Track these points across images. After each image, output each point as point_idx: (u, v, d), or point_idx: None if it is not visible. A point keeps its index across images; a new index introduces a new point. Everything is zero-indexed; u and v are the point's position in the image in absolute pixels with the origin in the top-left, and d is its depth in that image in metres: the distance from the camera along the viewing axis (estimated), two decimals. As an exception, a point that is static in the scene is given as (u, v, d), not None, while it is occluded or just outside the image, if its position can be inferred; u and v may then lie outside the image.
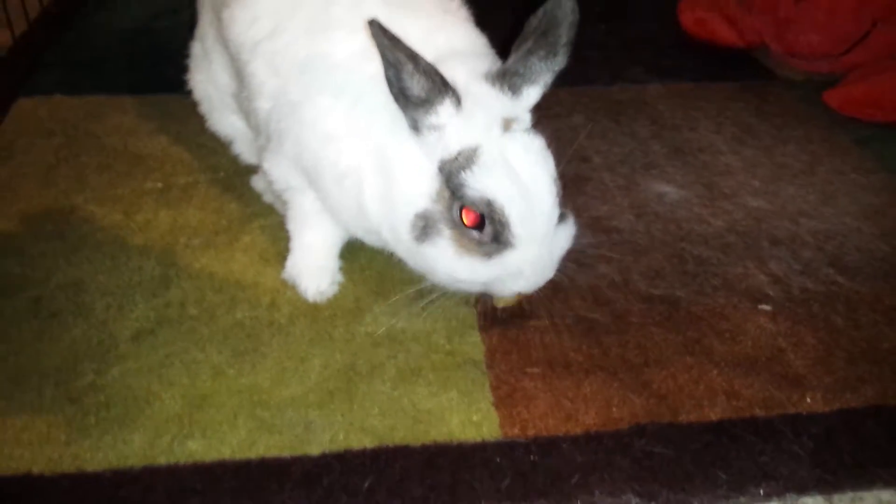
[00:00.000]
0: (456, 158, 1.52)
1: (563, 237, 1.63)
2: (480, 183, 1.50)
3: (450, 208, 1.54)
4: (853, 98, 2.61)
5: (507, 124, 1.55)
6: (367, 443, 1.51)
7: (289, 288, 1.86)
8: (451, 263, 1.57)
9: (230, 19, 1.85)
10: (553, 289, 1.88)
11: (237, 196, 2.15)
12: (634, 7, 3.46)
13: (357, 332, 1.75)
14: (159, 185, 2.17)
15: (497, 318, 1.79)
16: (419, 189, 1.56)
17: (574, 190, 2.23)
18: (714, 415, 1.60)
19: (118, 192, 2.13)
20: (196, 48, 2.18)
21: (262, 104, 1.79)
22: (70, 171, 2.21)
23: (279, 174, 1.81)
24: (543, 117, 2.54)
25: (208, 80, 2.13)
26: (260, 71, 1.77)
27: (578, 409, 1.59)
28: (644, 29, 3.24)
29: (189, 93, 2.26)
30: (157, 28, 3.06)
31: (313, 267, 1.86)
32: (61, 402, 1.56)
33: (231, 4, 1.86)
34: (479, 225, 1.53)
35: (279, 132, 1.74)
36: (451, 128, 1.52)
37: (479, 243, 1.54)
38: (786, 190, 2.28)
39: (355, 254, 1.95)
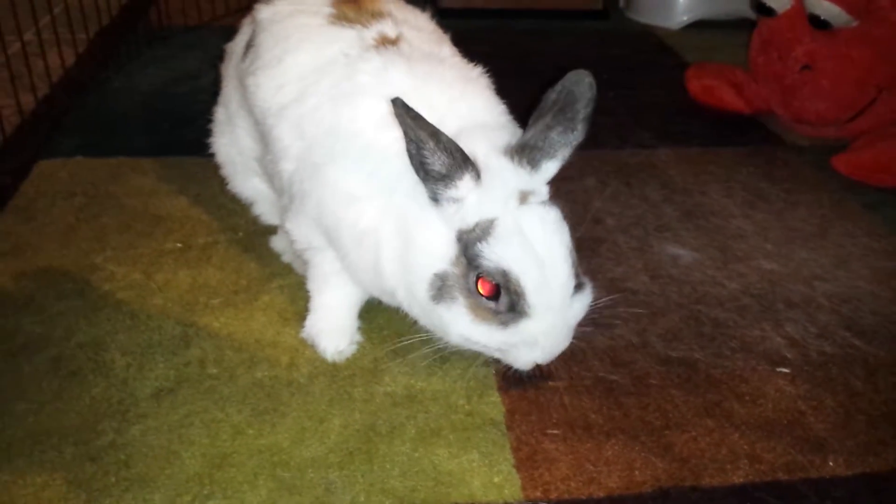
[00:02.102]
0: (473, 230, 1.55)
1: (579, 306, 1.64)
2: (496, 254, 1.52)
3: (466, 276, 1.57)
4: (861, 164, 2.65)
5: (523, 197, 1.58)
6: (389, 504, 1.50)
7: (308, 347, 1.86)
8: (465, 328, 1.59)
9: (256, 86, 1.90)
10: (571, 349, 1.88)
11: (256, 256, 2.17)
12: (642, 75, 3.53)
13: (376, 392, 1.75)
14: (179, 245, 2.19)
15: (516, 378, 1.79)
16: (438, 252, 1.59)
17: (588, 251, 2.26)
18: (737, 478, 1.58)
19: (138, 252, 2.15)
20: (220, 113, 2.23)
21: (287, 166, 1.82)
22: (90, 231, 2.24)
23: (300, 234, 1.83)
24: (556, 179, 2.60)
25: (232, 143, 2.17)
26: (285, 135, 1.81)
27: (601, 472, 1.58)
28: (652, 96, 3.30)
29: (208, 154, 2.30)
30: (176, 92, 3.13)
31: (332, 327, 1.87)
32: (81, 460, 1.55)
33: (257, 73, 1.91)
34: (495, 295, 1.55)
35: (302, 193, 1.77)
36: (470, 201, 1.56)
37: (495, 312, 1.56)
38: (798, 253, 2.30)
39: (373, 313, 1.96)
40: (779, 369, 1.87)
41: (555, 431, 1.67)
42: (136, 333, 1.87)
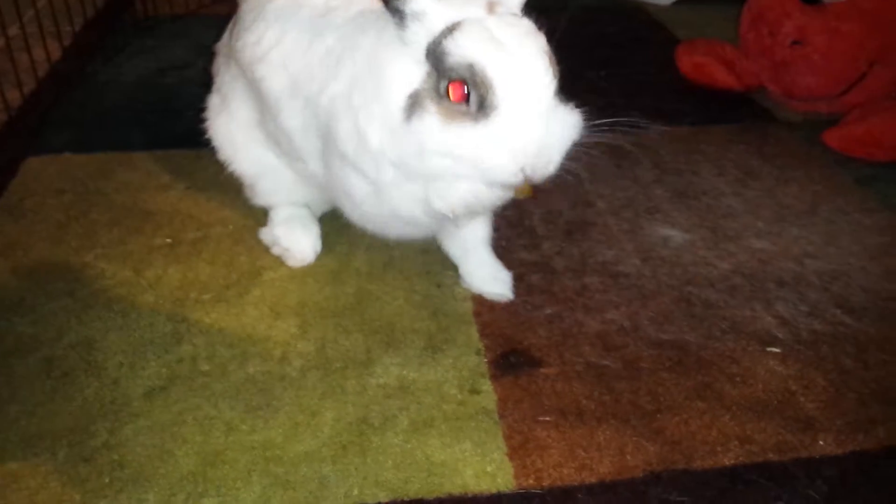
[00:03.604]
0: (439, 36, 1.55)
1: (565, 120, 1.60)
2: (461, 47, 1.52)
3: (436, 86, 1.56)
4: (853, 138, 2.64)
5: (490, 7, 1.58)
6: (382, 497, 1.51)
7: (300, 340, 1.86)
8: (438, 135, 1.56)
9: (243, 46, 1.95)
10: (562, 335, 1.90)
11: (246, 249, 2.17)
12: (633, 52, 3.51)
13: (368, 384, 1.75)
14: (169, 240, 2.19)
15: (508, 364, 1.80)
16: (408, 74, 1.59)
17: (580, 234, 2.26)
18: (728, 460, 1.59)
19: (128, 249, 2.15)
20: (214, 100, 2.23)
21: (288, 122, 1.88)
22: (80, 228, 2.23)
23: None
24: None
25: (229, 120, 2.16)
26: (275, 82, 1.87)
27: (592, 457, 1.59)
28: (643, 74, 3.28)
29: (197, 146, 2.30)
30: (163, 84, 3.11)
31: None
32: (75, 462, 1.56)
33: (242, 35, 1.97)
34: (466, 99, 1.54)
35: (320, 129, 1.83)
36: (432, 12, 1.57)
37: (466, 113, 1.54)
38: (789, 231, 2.30)
39: (364, 303, 1.97)
40: (769, 349, 1.87)
41: (546, 418, 1.68)
42: (127, 332, 1.88)
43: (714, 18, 3.80)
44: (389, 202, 1.77)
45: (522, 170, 1.55)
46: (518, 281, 2.06)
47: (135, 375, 1.76)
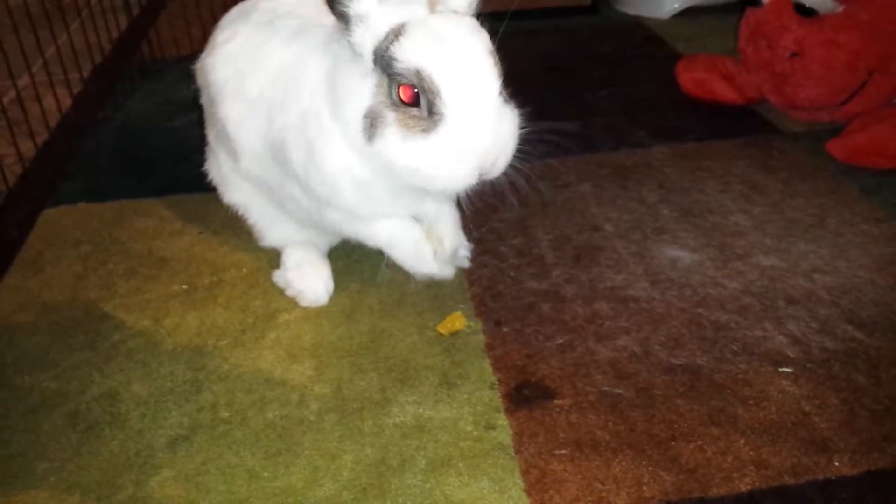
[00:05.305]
0: (385, 39, 1.62)
1: (507, 120, 1.67)
2: (407, 53, 1.58)
3: (389, 94, 1.62)
4: (856, 147, 2.65)
5: (432, 5, 1.65)
6: (404, 539, 1.53)
7: (316, 383, 1.90)
8: (399, 150, 1.63)
9: (210, 68, 2.09)
10: (574, 364, 1.92)
11: (261, 292, 2.21)
12: (634, 70, 3.53)
13: (385, 425, 1.78)
14: (185, 286, 2.24)
15: (522, 397, 1.83)
16: (360, 90, 1.66)
17: (588, 260, 2.28)
18: (744, 486, 1.61)
19: (146, 298, 2.19)
20: (208, 149, 2.35)
21: (225, 110, 2.02)
22: (98, 279, 2.28)
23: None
24: (553, 187, 2.62)
25: (213, 156, 2.30)
26: (220, 73, 2.03)
27: (609, 490, 1.61)
28: (645, 91, 3.30)
29: (207, 190, 2.36)
30: (172, 128, 3.16)
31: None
32: (103, 516, 1.60)
33: (205, 58, 2.13)
34: (416, 101, 1.60)
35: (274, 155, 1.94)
36: (375, 14, 1.62)
37: (419, 119, 1.61)
38: (797, 246, 2.31)
39: (379, 342, 2.00)
40: (781, 369, 1.88)
41: (562, 452, 1.70)
42: (148, 382, 1.92)
43: (714, 29, 3.83)
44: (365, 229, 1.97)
45: (474, 173, 1.65)
46: (528, 311, 2.09)
47: (157, 426, 1.80)
